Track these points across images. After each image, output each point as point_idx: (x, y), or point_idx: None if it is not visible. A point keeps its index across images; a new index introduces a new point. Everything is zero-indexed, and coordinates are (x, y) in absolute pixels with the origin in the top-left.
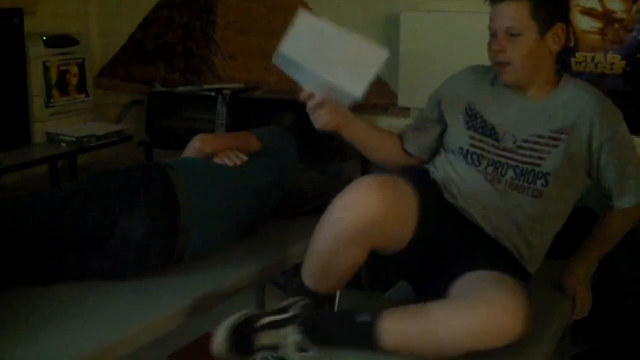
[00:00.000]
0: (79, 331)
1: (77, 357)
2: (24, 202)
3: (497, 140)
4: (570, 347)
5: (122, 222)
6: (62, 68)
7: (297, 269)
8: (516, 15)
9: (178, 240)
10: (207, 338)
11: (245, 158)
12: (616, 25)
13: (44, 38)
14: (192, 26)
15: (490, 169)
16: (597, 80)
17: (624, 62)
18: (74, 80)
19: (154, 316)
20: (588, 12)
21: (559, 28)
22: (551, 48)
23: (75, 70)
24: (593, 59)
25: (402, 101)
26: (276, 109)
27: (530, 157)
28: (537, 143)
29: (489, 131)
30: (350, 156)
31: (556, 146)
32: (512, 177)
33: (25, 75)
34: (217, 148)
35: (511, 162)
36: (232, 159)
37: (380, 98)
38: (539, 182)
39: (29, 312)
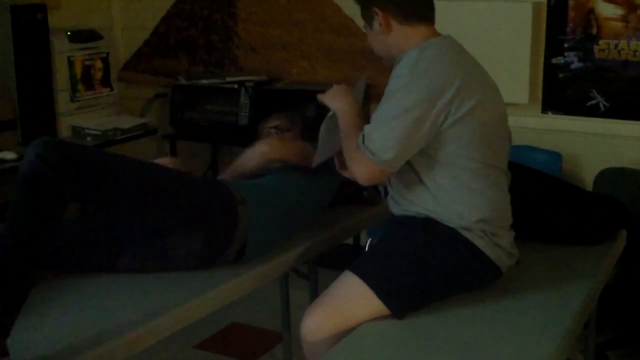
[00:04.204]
0: (107, 321)
1: (105, 347)
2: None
3: None
4: (594, 336)
5: (173, 237)
6: (86, 62)
7: (319, 258)
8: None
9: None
10: (232, 328)
11: None
12: (639, 12)
13: (68, 33)
14: (213, 19)
15: None
16: (620, 67)
17: None
18: (98, 74)
19: (180, 307)
20: None
21: (374, 12)
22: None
23: (99, 64)
24: (616, 45)
25: None
26: (299, 100)
27: None
28: None
29: None
30: None
31: None
32: None
33: (51, 70)
34: (282, 156)
35: None
36: None
37: None
38: None
39: (59, 304)
